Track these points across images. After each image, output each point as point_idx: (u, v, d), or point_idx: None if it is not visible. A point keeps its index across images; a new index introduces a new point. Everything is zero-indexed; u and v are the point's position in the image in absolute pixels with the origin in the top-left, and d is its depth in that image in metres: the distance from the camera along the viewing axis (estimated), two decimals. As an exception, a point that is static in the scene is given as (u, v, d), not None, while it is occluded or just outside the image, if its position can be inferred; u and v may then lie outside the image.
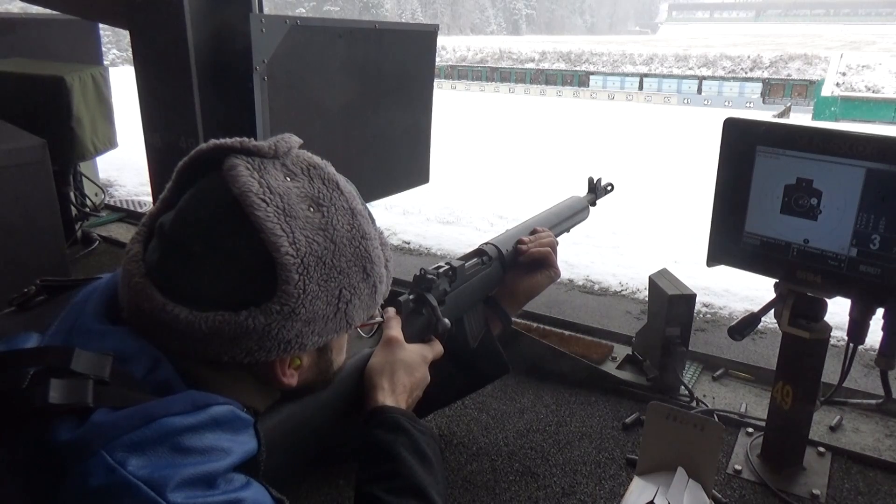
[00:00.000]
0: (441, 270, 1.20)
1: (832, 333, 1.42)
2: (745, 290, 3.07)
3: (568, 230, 1.62)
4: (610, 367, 1.95)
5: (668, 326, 1.77)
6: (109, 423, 0.58)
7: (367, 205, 0.80)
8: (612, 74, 36.93)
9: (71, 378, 0.60)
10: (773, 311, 1.44)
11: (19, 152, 2.05)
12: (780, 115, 24.30)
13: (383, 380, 0.99)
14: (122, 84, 3.64)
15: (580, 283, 3.31)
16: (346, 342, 0.85)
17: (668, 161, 10.63)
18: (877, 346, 1.31)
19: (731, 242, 1.44)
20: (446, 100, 16.09)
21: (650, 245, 4.59)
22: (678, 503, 1.33)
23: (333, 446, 1.03)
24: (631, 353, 2.02)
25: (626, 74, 36.55)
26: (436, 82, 2.59)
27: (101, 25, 3.44)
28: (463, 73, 41.31)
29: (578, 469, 1.54)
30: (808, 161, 1.30)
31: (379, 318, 0.89)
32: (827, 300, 1.39)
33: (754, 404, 1.79)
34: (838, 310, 1.38)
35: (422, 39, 2.38)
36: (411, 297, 1.14)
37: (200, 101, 1.94)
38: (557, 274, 1.43)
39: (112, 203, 3.90)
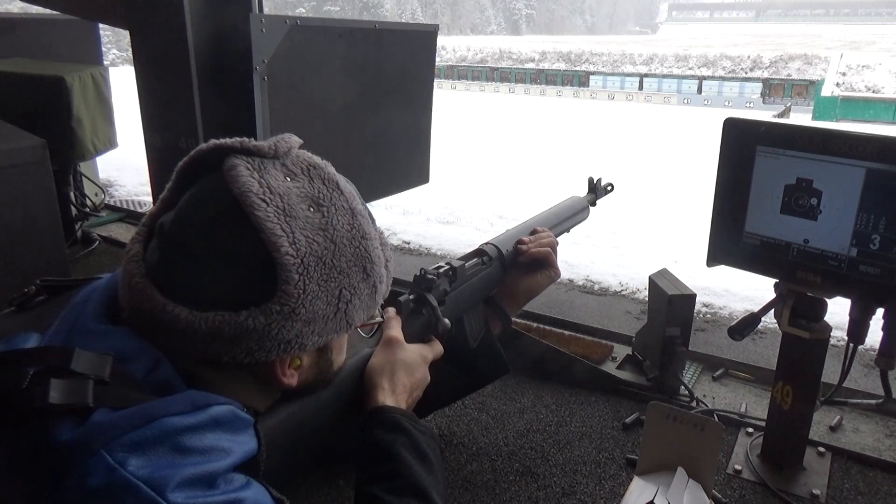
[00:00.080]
0: (441, 270, 1.20)
1: (832, 333, 1.42)
2: (745, 290, 3.08)
3: (568, 230, 1.62)
4: (610, 367, 1.95)
5: (668, 326, 1.77)
6: (109, 423, 0.58)
7: (367, 205, 0.80)
8: (612, 74, 36.92)
9: (71, 378, 0.60)
10: (773, 311, 1.44)
11: (19, 152, 2.05)
12: (780, 115, 24.31)
13: (383, 380, 0.99)
14: (122, 84, 3.64)
15: (580, 283, 3.31)
16: (346, 342, 0.85)
17: (668, 161, 10.63)
18: (877, 346, 1.31)
19: (731, 242, 1.44)
20: (446, 100, 16.09)
21: (650, 245, 4.60)
22: (678, 503, 1.33)
23: (333, 446, 1.03)
24: (631, 353, 2.02)
25: (626, 74, 36.54)
26: (436, 82, 2.58)
27: (101, 25, 3.44)
28: (463, 73, 41.30)
29: (578, 469, 1.54)
30: (808, 161, 1.30)
31: (379, 319, 0.89)
32: (827, 300, 1.39)
33: (754, 404, 1.79)
34: (838, 310, 1.38)
35: (422, 39, 2.38)
36: (411, 297, 1.14)
37: (200, 101, 1.94)
38: (557, 274, 1.43)
39: (112, 203, 3.91)
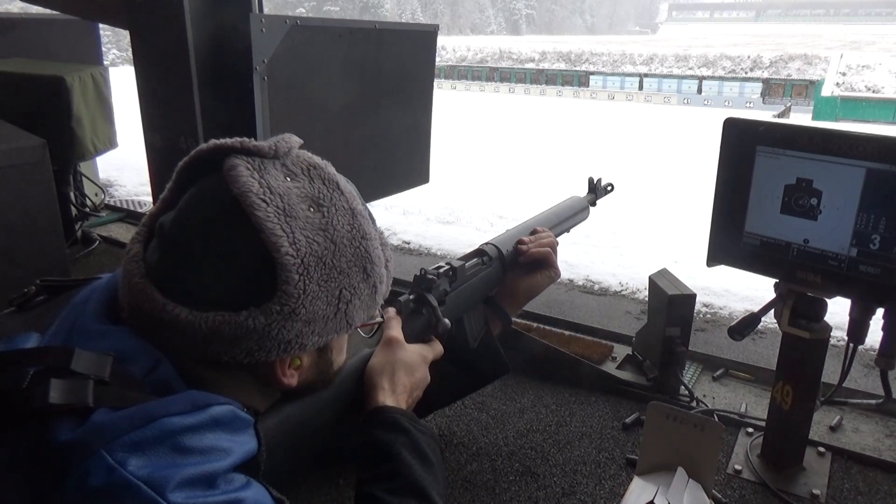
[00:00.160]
0: (441, 270, 1.20)
1: (832, 333, 1.42)
2: (745, 290, 3.08)
3: (568, 230, 1.62)
4: (610, 367, 1.95)
5: (668, 326, 1.77)
6: (109, 423, 0.58)
7: (367, 205, 0.80)
8: (612, 74, 36.92)
9: (71, 378, 0.60)
10: (773, 311, 1.44)
11: (19, 152, 2.05)
12: (780, 115, 24.30)
13: (383, 380, 0.99)
14: (122, 84, 3.64)
15: (580, 283, 3.31)
16: (346, 342, 0.85)
17: (668, 161, 10.63)
18: (877, 346, 1.31)
19: (731, 242, 1.44)
20: (446, 100, 16.09)
21: (650, 245, 4.60)
22: (678, 503, 1.33)
23: (333, 446, 1.03)
24: (631, 353, 2.02)
25: (626, 74, 36.53)
26: (436, 82, 2.58)
27: (101, 25, 3.44)
28: (463, 73, 41.29)
29: (578, 469, 1.54)
30: (808, 161, 1.30)
31: (379, 319, 0.89)
32: (827, 300, 1.39)
33: (754, 404, 1.79)
34: (838, 310, 1.38)
35: (422, 39, 2.38)
36: (411, 297, 1.14)
37: (200, 101, 1.94)
38: (557, 274, 1.43)
39: (112, 203, 3.91)
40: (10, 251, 2.03)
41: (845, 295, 1.34)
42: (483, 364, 1.37)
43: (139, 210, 3.72)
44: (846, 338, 1.38)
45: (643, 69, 36.62)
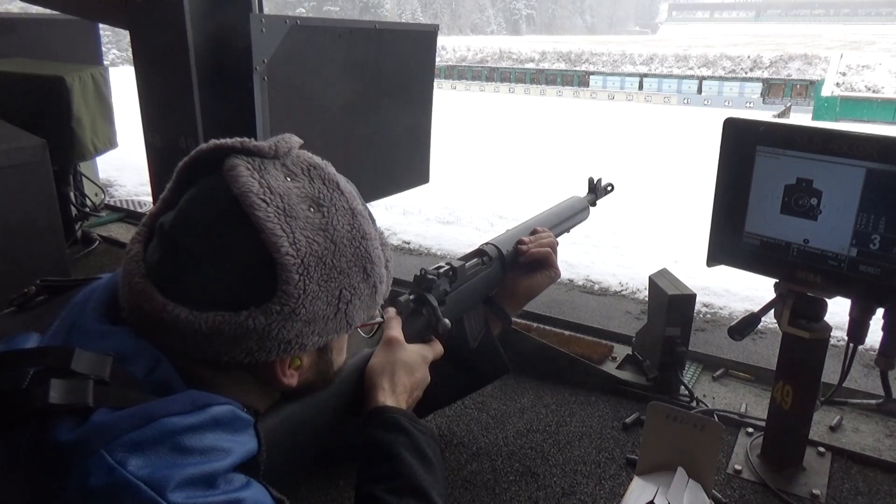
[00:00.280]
0: (441, 270, 1.20)
1: (832, 333, 1.42)
2: (745, 290, 3.08)
3: (568, 230, 1.62)
4: (610, 367, 1.95)
5: (668, 326, 1.77)
6: (109, 423, 0.58)
7: (367, 205, 0.80)
8: (612, 74, 36.91)
9: (71, 378, 0.60)
10: (773, 311, 1.44)
11: (19, 152, 2.05)
12: (780, 115, 24.30)
13: (383, 380, 0.99)
14: (122, 84, 3.64)
15: (580, 283, 3.32)
16: (347, 342, 0.85)
17: (668, 161, 10.63)
18: (877, 346, 1.31)
19: (731, 242, 1.44)
20: (446, 100, 16.09)
21: (650, 245, 4.60)
22: (678, 503, 1.33)
23: (333, 446, 1.03)
24: (631, 353, 2.02)
25: (626, 74, 36.53)
26: (436, 82, 2.59)
27: (101, 25, 3.44)
28: (463, 73, 41.29)
29: (578, 469, 1.54)
30: (808, 161, 1.30)
31: (379, 319, 0.89)
32: (827, 300, 1.39)
33: (754, 404, 1.79)
34: (838, 310, 1.38)
35: (422, 39, 2.38)
36: (411, 297, 1.14)
37: (200, 101, 1.94)
38: (557, 274, 1.43)
39: (112, 203, 3.91)
40: (10, 251, 2.03)
41: (845, 295, 1.34)
42: (483, 364, 1.37)
43: (139, 210, 3.73)
44: (846, 338, 1.38)
45: (643, 69, 36.62)
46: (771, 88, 32.24)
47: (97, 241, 3.11)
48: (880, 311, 1.30)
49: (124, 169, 5.70)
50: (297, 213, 0.69)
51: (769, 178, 1.36)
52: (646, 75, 35.88)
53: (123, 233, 3.31)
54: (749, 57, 34.53)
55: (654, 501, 1.34)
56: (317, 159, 0.76)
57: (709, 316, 2.88)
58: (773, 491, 1.45)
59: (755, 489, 1.47)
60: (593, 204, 1.73)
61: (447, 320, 1.14)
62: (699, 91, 33.39)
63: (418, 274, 1.16)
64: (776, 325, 1.45)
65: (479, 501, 1.43)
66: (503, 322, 1.40)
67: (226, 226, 0.67)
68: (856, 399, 1.74)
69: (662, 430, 1.42)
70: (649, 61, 37.19)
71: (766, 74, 33.08)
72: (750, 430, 1.66)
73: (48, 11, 3.01)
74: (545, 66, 39.70)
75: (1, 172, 2.00)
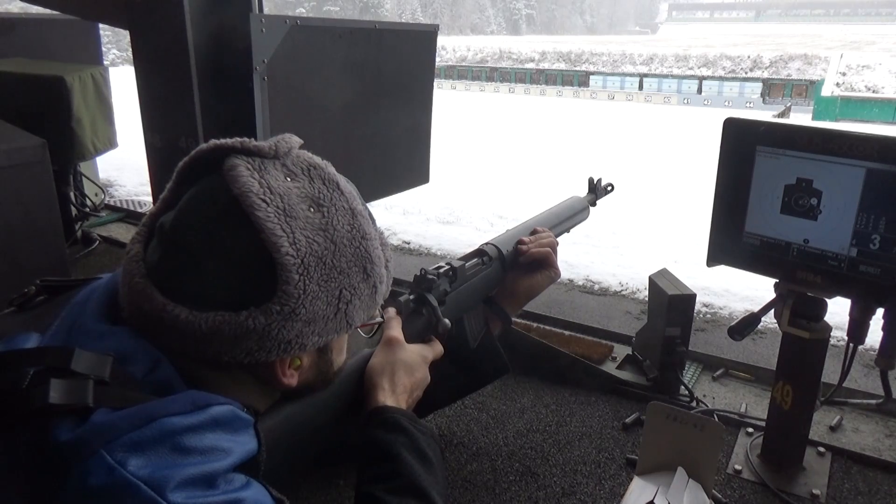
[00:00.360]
0: (441, 270, 1.20)
1: (832, 333, 1.42)
2: (745, 290, 3.08)
3: (568, 230, 1.62)
4: (610, 367, 1.95)
5: (668, 326, 1.77)
6: (109, 423, 0.58)
7: (367, 205, 0.80)
8: (612, 74, 36.92)
9: (71, 378, 0.60)
10: (773, 311, 1.44)
11: (19, 152, 2.05)
12: (780, 115, 24.30)
13: (383, 380, 0.99)
14: (122, 84, 3.64)
15: (580, 283, 3.31)
16: (347, 342, 0.85)
17: (669, 161, 10.63)
18: (877, 346, 1.31)
19: (731, 242, 1.44)
20: (446, 100, 16.09)
21: (650, 245, 4.60)
22: (678, 503, 1.33)
23: (333, 446, 1.03)
24: (631, 353, 2.02)
25: (626, 74, 36.53)
26: (436, 82, 2.59)
27: (101, 25, 3.44)
28: (463, 73, 41.30)
29: (578, 469, 1.54)
30: (808, 161, 1.30)
31: (379, 319, 0.89)
32: (827, 300, 1.39)
33: (754, 404, 1.79)
34: (838, 310, 1.38)
35: (422, 39, 2.38)
36: (412, 297, 1.14)
37: (200, 101, 1.94)
38: (557, 274, 1.43)
39: (112, 203, 3.91)
40: (10, 251, 2.03)
41: (845, 295, 1.34)
42: (483, 364, 1.37)
43: (139, 210, 3.73)
44: (846, 338, 1.38)
45: (643, 69, 36.62)
46: (771, 88, 32.24)
47: (97, 241, 3.11)
48: (880, 311, 1.30)
49: (124, 169, 5.70)
50: (297, 213, 0.69)
51: (769, 178, 1.36)
52: (646, 75, 35.89)
53: (123, 233, 3.31)
54: (749, 57, 34.54)
55: (654, 501, 1.34)
56: (317, 159, 0.76)
57: (709, 316, 2.88)
58: (773, 491, 1.45)
59: (755, 489, 1.47)
60: (593, 204, 1.73)
61: (447, 320, 1.14)
62: (699, 91, 33.39)
63: (418, 274, 1.16)
64: (776, 325, 1.45)
65: (479, 501, 1.43)
66: (503, 322, 1.40)
67: (226, 226, 0.67)
68: (856, 399, 1.74)
69: (662, 430, 1.42)
70: (649, 61, 37.19)
71: (766, 74, 33.08)
72: (750, 430, 1.66)
73: (48, 11, 3.02)
74: (545, 66, 39.70)
75: (1, 172, 1.99)
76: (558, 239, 1.49)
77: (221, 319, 0.66)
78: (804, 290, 1.38)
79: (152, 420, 0.59)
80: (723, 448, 1.57)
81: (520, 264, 1.40)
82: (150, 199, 3.16)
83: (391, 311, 1.08)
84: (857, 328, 1.34)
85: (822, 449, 1.58)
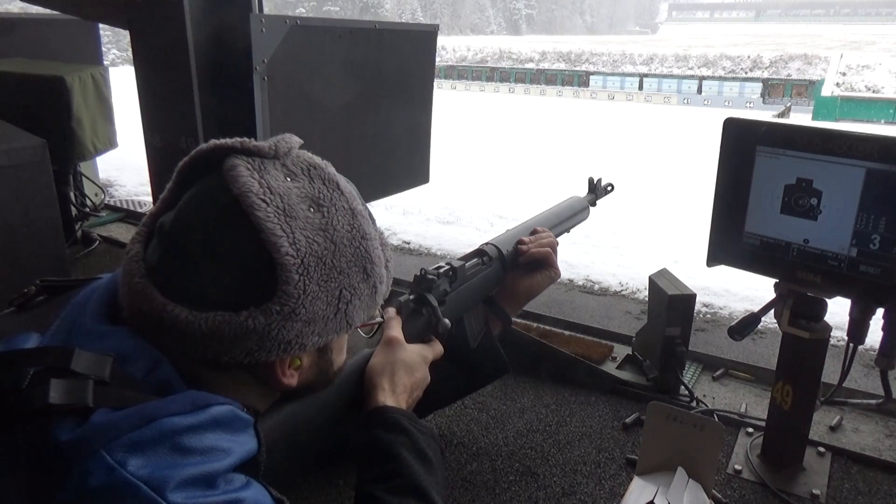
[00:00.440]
0: (441, 270, 1.20)
1: (832, 333, 1.42)
2: (745, 290, 3.08)
3: (568, 230, 1.62)
4: (610, 367, 1.95)
5: (668, 326, 1.77)
6: (109, 423, 0.58)
7: (367, 205, 0.80)
8: (612, 74, 36.91)
9: (71, 378, 0.60)
10: (773, 311, 1.44)
11: (19, 152, 2.05)
12: (780, 115, 24.30)
13: (383, 380, 0.99)
14: (122, 84, 3.64)
15: (580, 283, 3.32)
16: (347, 342, 0.85)
17: (669, 161, 10.63)
18: (877, 346, 1.31)
19: (731, 242, 1.44)
20: (446, 100, 16.09)
21: (650, 245, 4.60)
22: (678, 503, 1.33)
23: (333, 446, 1.03)
24: (631, 353, 2.02)
25: (626, 74, 36.53)
26: (436, 82, 2.59)
27: (101, 25, 3.44)
28: (463, 73, 41.29)
29: (578, 469, 1.54)
30: (808, 161, 1.30)
31: (379, 319, 0.89)
32: (827, 300, 1.39)
33: (754, 404, 1.79)
34: (838, 310, 1.38)
35: (422, 39, 2.38)
36: (411, 297, 1.14)
37: (200, 101, 1.94)
38: (557, 274, 1.43)
39: (112, 203, 3.91)
40: (10, 251, 2.03)
41: (845, 295, 1.34)
42: (483, 364, 1.37)
43: (139, 210, 3.73)
44: (846, 338, 1.38)
45: (643, 69, 36.62)
46: (771, 88, 32.23)
47: (97, 241, 3.11)
48: (880, 311, 1.30)
49: (124, 169, 5.70)
50: (297, 213, 0.69)
51: (769, 178, 1.36)
52: (646, 75, 35.88)
53: (123, 233, 3.31)
54: (749, 57, 34.53)
55: (654, 501, 1.34)
56: (317, 159, 0.76)
57: (709, 316, 2.88)
58: (773, 491, 1.45)
59: (755, 489, 1.47)
60: (593, 204, 1.73)
61: (447, 320, 1.14)
62: (699, 91, 33.39)
63: (418, 274, 1.16)
64: (776, 325, 1.45)
65: (479, 501, 1.43)
66: (503, 322, 1.40)
67: (226, 226, 0.67)
68: (856, 399, 1.74)
69: (662, 430, 1.42)
70: (649, 61, 37.19)
71: (766, 74, 33.07)
72: (750, 430, 1.66)
73: (48, 11, 3.02)
74: (545, 66, 39.69)
75: (1, 172, 2.00)
76: (558, 239, 1.49)
77: (221, 319, 0.66)
78: (804, 290, 1.38)
79: (152, 420, 0.59)
80: (723, 448, 1.56)
81: (520, 264, 1.40)
82: (150, 199, 3.16)
83: (391, 311, 1.08)
84: (857, 328, 1.34)
85: (822, 449, 1.58)
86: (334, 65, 2.00)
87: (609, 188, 1.78)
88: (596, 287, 3.26)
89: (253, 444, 0.67)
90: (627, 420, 1.71)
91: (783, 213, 1.35)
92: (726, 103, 30.26)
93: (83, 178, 3.16)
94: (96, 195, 3.38)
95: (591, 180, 1.74)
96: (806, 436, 1.53)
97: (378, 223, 0.82)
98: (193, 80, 1.92)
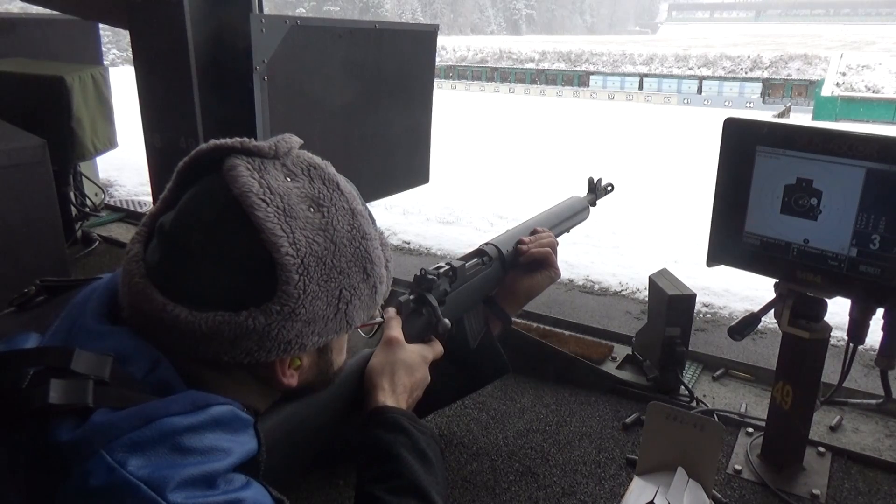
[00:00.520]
0: (441, 270, 1.20)
1: (832, 333, 1.42)
2: (745, 290, 3.08)
3: (568, 230, 1.62)
4: (610, 367, 1.95)
5: (668, 326, 1.77)
6: (109, 424, 0.58)
7: (367, 205, 0.80)
8: (612, 74, 36.93)
9: (71, 378, 0.60)
10: (773, 311, 1.44)
11: (19, 152, 2.05)
12: (780, 115, 24.30)
13: (383, 380, 0.99)
14: (122, 84, 3.64)
15: (580, 283, 3.31)
16: (347, 342, 0.85)
17: (669, 161, 10.64)
18: (877, 346, 1.31)
19: (731, 242, 1.44)
20: (446, 100, 16.09)
21: (650, 245, 4.60)
22: (678, 503, 1.33)
23: (333, 446, 1.03)
24: (631, 353, 2.02)
25: (626, 74, 36.55)
26: (436, 82, 2.59)
27: (101, 25, 3.44)
28: (463, 73, 41.30)
29: (578, 469, 1.54)
30: (808, 161, 1.30)
31: (379, 319, 0.89)
32: (827, 300, 1.39)
33: (754, 404, 1.79)
34: (838, 310, 1.38)
35: (422, 39, 2.38)
36: (412, 297, 1.14)
37: (200, 101, 1.94)
38: (557, 274, 1.43)
39: (112, 203, 3.91)
40: (10, 251, 2.03)
41: (845, 295, 1.34)
42: (483, 364, 1.37)
43: (139, 210, 3.73)
44: (846, 338, 1.38)
45: (643, 69, 36.64)
46: (771, 88, 32.24)
47: (97, 241, 3.11)
48: (880, 311, 1.30)
49: (124, 169, 5.70)
50: (297, 213, 0.69)
51: (769, 178, 1.36)
52: (646, 75, 35.89)
53: (123, 233, 3.30)
54: (749, 57, 34.54)
55: (654, 501, 1.34)
56: (317, 159, 0.76)
57: (709, 316, 2.88)
58: (773, 491, 1.45)
59: (755, 489, 1.47)
60: (593, 204, 1.73)
61: (447, 320, 1.14)
62: (699, 91, 33.40)
63: (418, 274, 1.16)
64: (776, 325, 1.45)
65: (479, 501, 1.43)
66: (503, 322, 1.40)
67: (226, 226, 0.67)
68: (856, 399, 1.74)
69: (662, 430, 1.42)
70: (649, 61, 37.20)
71: (766, 74, 33.09)
72: (750, 430, 1.66)
73: (48, 11, 3.02)
74: (545, 66, 39.71)
75: (1, 172, 2.00)
76: (558, 239, 1.49)
77: (221, 319, 0.66)
78: (804, 290, 1.38)
79: (152, 420, 0.59)
80: (723, 448, 1.56)
81: (520, 264, 1.40)
82: (150, 199, 3.16)
83: (391, 311, 1.08)
84: (857, 328, 1.34)
85: (822, 449, 1.58)
86: (334, 65, 2.00)
87: (609, 188, 1.78)
88: (596, 287, 3.26)
89: (253, 444, 0.67)
90: (627, 420, 1.71)
91: (783, 213, 1.35)
92: (726, 103, 30.27)
93: (83, 178, 3.16)
94: (96, 195, 3.38)
95: (590, 180, 1.74)
96: (806, 436, 1.53)
97: (378, 223, 0.82)
98: (193, 80, 1.92)
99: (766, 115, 22.07)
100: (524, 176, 8.52)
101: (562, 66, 39.30)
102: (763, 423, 1.59)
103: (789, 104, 28.84)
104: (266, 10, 2.07)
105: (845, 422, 1.71)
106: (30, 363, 0.61)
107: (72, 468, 0.56)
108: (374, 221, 0.80)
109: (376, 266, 0.77)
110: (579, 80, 37.70)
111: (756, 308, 1.46)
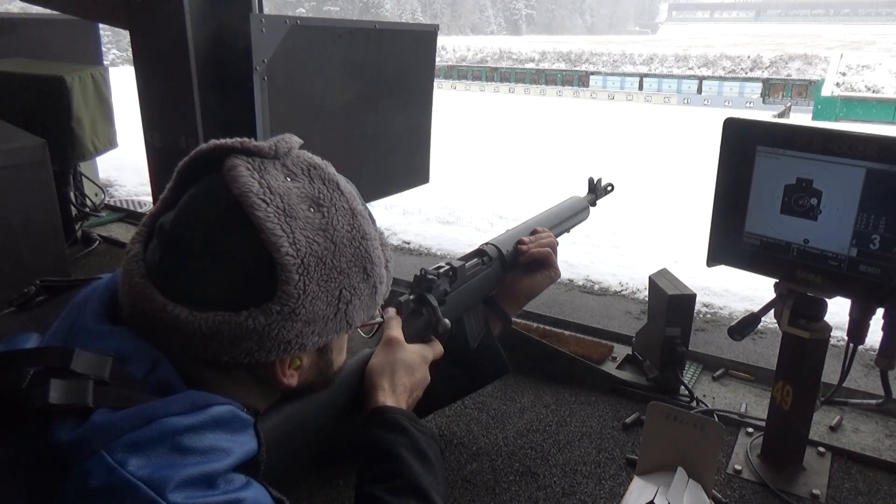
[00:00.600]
0: (441, 270, 1.20)
1: (832, 333, 1.42)
2: (745, 290, 3.08)
3: (568, 230, 1.62)
4: (610, 367, 1.95)
5: (668, 326, 1.77)
6: (109, 424, 0.58)
7: (367, 205, 0.80)
8: (612, 74, 36.91)
9: (71, 378, 0.60)
10: (773, 311, 1.44)
11: (19, 152, 2.05)
12: (780, 115, 24.30)
13: (384, 380, 0.99)
14: (122, 84, 3.64)
15: (580, 283, 3.31)
16: (347, 342, 0.85)
17: (669, 161, 10.64)
18: (877, 346, 1.31)
19: (731, 242, 1.44)
20: (446, 100, 16.09)
21: (650, 245, 4.60)
22: (678, 503, 1.33)
23: (333, 446, 1.03)
24: (631, 353, 2.02)
25: (626, 74, 36.53)
26: (436, 82, 2.59)
27: (101, 25, 3.44)
28: (463, 73, 41.29)
29: (578, 469, 1.54)
30: (808, 161, 1.30)
31: (379, 319, 0.89)
32: (827, 300, 1.39)
33: (754, 404, 1.79)
34: (838, 310, 1.38)
35: (422, 39, 2.38)
36: (411, 297, 1.14)
37: (200, 101, 1.94)
38: (557, 274, 1.43)
39: (112, 203, 3.90)
40: (10, 251, 2.03)
41: (845, 295, 1.34)
42: (483, 364, 1.37)
43: (139, 210, 3.72)
44: (846, 338, 1.38)
45: (643, 69, 36.62)
46: (771, 88, 32.23)
47: (97, 241, 3.11)
48: (880, 311, 1.30)
49: (124, 169, 5.70)
50: (297, 214, 0.69)
51: (769, 178, 1.36)
52: (646, 75, 35.88)
53: (123, 233, 3.30)
54: (749, 57, 34.53)
55: (654, 501, 1.34)
56: (317, 159, 0.76)
57: (709, 316, 2.88)
58: (773, 491, 1.45)
59: (755, 489, 1.47)
60: (593, 204, 1.73)
61: (447, 320, 1.14)
62: (699, 91, 33.39)
63: (418, 274, 1.16)
64: (776, 325, 1.45)
65: (479, 501, 1.43)
66: (503, 322, 1.40)
67: (226, 226, 0.67)
68: (856, 399, 1.74)
69: (662, 430, 1.42)
70: (649, 61, 37.19)
71: (766, 74, 33.08)
72: (750, 430, 1.66)
73: (48, 11, 3.02)
74: (545, 66, 39.70)
75: (1, 172, 2.00)
76: (558, 239, 1.49)
77: (221, 319, 0.66)
78: (804, 290, 1.38)
79: (152, 420, 0.59)
80: (723, 448, 1.56)
81: (520, 264, 1.40)
82: (150, 199, 3.16)
83: (391, 311, 1.08)
84: (857, 328, 1.34)
85: (822, 449, 1.58)
86: (334, 65, 2.00)
87: (609, 188, 1.78)
88: (596, 287, 3.26)
89: (253, 444, 0.67)
90: (627, 420, 1.71)
91: (783, 213, 1.35)
92: (726, 103, 30.26)
93: (83, 178, 3.16)
94: (96, 195, 3.38)
95: (591, 180, 1.74)
96: (806, 436, 1.53)
97: (378, 223, 0.82)
98: (193, 80, 1.92)
99: (766, 115, 22.07)
100: (524, 176, 8.52)
101: (562, 66, 39.29)
102: (763, 423, 1.59)
103: (789, 104, 28.83)
104: (266, 10, 2.08)
105: (845, 422, 1.71)
106: (30, 363, 0.61)
107: (72, 468, 0.56)
108: (374, 221, 0.80)
109: (376, 266, 0.77)
110: (579, 80, 37.68)
111: (756, 308, 1.46)
